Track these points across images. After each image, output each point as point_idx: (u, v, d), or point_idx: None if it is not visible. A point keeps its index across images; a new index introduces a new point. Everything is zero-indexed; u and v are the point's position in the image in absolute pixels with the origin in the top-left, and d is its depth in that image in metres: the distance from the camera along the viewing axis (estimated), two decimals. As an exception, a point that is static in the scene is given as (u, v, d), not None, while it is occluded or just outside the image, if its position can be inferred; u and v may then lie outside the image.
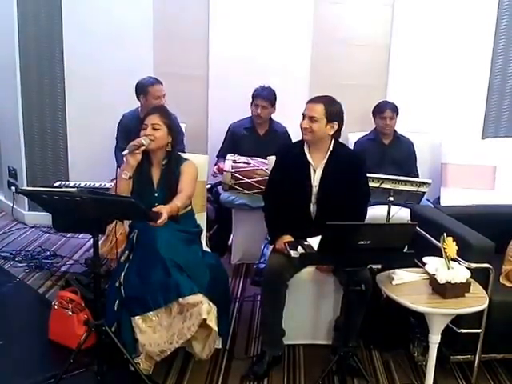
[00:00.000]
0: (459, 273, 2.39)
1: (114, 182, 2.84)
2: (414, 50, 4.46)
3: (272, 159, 3.17)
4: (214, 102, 4.57)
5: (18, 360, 2.84)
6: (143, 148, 2.82)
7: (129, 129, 3.82)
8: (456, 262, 2.48)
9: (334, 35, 4.48)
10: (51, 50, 4.60)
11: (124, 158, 2.83)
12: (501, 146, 4.30)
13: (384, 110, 4.13)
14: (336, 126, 2.90)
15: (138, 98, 3.96)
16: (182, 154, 3.10)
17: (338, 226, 2.39)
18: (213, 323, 2.62)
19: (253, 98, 4.18)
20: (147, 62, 4.46)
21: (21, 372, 2.74)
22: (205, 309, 2.58)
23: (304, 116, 2.89)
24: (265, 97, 4.14)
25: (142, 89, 3.92)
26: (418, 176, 4.07)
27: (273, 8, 4.44)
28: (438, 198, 4.20)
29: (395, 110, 4.14)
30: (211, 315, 2.62)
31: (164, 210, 2.56)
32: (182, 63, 4.55)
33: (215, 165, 4.17)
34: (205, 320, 2.57)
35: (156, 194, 2.93)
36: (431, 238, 2.80)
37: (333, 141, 2.96)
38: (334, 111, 2.89)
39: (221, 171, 4.01)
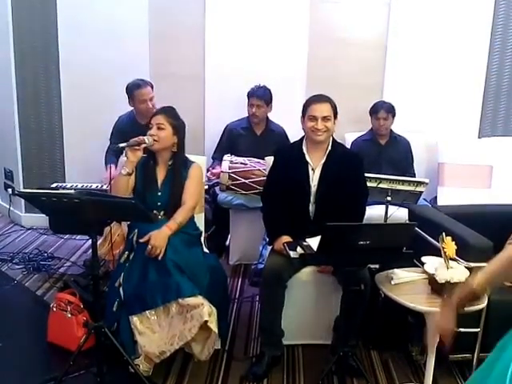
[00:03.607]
0: (458, 272, 2.39)
1: (108, 178, 2.84)
2: (410, 49, 4.46)
3: (270, 160, 3.17)
4: (210, 103, 4.56)
5: (18, 362, 2.84)
6: (144, 145, 2.82)
7: (124, 131, 3.81)
8: (455, 262, 2.48)
9: (330, 35, 4.48)
10: (47, 51, 4.58)
11: (123, 155, 2.82)
12: (497, 145, 4.31)
13: (378, 111, 4.10)
14: (335, 121, 2.92)
15: (128, 102, 3.96)
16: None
17: (338, 226, 2.39)
18: (213, 325, 2.63)
19: (248, 97, 4.18)
20: (144, 63, 4.45)
21: (20, 374, 2.74)
22: (206, 311, 2.59)
23: (314, 118, 2.85)
24: (259, 96, 4.14)
25: (129, 93, 3.93)
26: (414, 176, 4.06)
27: (269, 8, 4.43)
28: (435, 197, 4.21)
29: (391, 110, 4.10)
30: (212, 317, 2.63)
31: (163, 243, 2.68)
32: (179, 63, 4.53)
33: (208, 170, 4.11)
34: (206, 322, 2.58)
35: (159, 194, 2.92)
36: (430, 238, 2.80)
37: (331, 140, 2.97)
38: (336, 107, 2.92)
39: (216, 176, 4.00)
